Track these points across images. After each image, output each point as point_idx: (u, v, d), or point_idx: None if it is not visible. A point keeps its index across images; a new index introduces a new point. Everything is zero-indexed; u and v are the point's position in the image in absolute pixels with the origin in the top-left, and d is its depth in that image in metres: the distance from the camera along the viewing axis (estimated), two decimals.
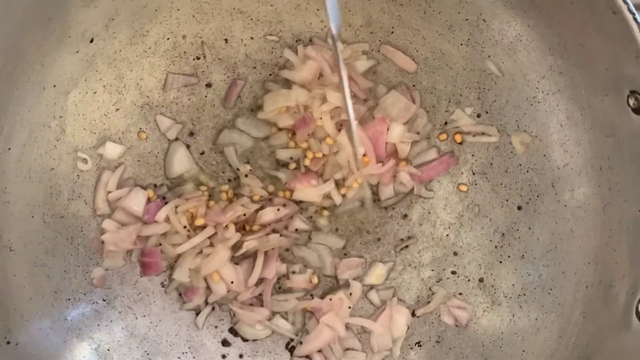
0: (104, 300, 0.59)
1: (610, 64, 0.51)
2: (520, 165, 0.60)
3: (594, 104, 0.54)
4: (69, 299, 0.57)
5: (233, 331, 0.61)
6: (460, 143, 0.61)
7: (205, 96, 0.61)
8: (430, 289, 0.62)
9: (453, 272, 0.62)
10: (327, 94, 0.59)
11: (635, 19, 0.47)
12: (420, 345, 0.61)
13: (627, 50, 0.48)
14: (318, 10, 0.60)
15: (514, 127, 0.60)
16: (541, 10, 0.54)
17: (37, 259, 0.56)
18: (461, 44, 0.59)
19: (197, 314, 0.61)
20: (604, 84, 0.52)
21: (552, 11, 0.53)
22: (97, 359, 0.57)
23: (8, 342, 0.52)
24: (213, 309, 0.61)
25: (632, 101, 0.50)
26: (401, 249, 0.62)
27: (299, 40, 0.61)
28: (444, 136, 0.62)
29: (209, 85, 0.61)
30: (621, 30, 0.47)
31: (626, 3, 0.47)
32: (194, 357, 0.60)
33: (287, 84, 0.61)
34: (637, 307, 0.50)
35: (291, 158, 0.61)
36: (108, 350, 0.58)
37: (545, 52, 0.55)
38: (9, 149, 0.53)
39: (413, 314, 0.62)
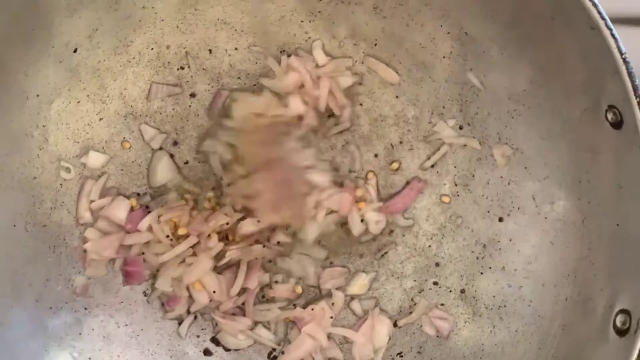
0: (85, 309, 0.59)
1: (588, 78, 0.51)
2: (501, 177, 0.60)
3: (573, 118, 0.54)
4: (51, 308, 0.57)
5: (215, 340, 0.61)
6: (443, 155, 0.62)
7: (190, 106, 0.61)
8: (412, 299, 0.62)
9: (435, 283, 0.62)
10: (290, 100, 0.59)
11: (612, 35, 0.48)
12: (402, 356, 0.62)
13: (605, 66, 0.48)
14: (302, 21, 0.60)
15: (495, 139, 0.60)
16: (522, 25, 0.54)
17: (18, 267, 0.56)
18: (444, 57, 0.59)
19: (179, 323, 0.61)
20: (583, 98, 0.52)
21: (532, 25, 0.53)
22: None
23: None
24: (195, 318, 0.61)
25: (610, 116, 0.50)
26: (382, 256, 0.62)
27: (283, 51, 0.61)
28: None
29: (193, 95, 0.61)
30: (599, 45, 0.48)
31: (604, 19, 0.48)
32: None
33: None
34: (614, 321, 0.51)
35: None
36: (89, 358, 0.58)
37: (526, 66, 0.56)
38: None
39: (395, 324, 0.62)
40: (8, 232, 0.55)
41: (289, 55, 0.61)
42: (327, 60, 0.61)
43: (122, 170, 0.60)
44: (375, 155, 0.62)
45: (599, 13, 0.48)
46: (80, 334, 0.58)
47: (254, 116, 0.60)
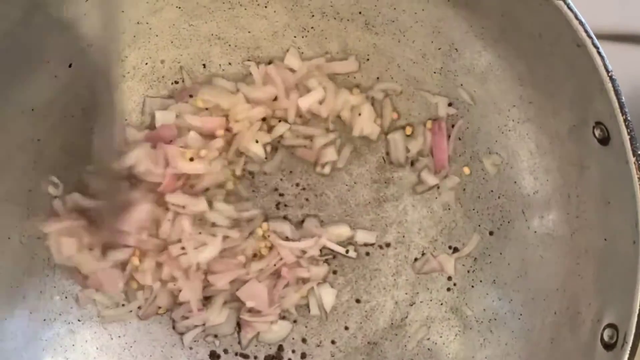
0: (79, 320, 0.59)
1: (576, 95, 0.52)
2: (492, 191, 0.61)
3: (562, 134, 0.55)
4: (45, 320, 0.58)
5: (214, 355, 0.62)
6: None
7: None
8: (404, 311, 0.63)
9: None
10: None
11: (599, 53, 0.48)
12: None
13: (592, 83, 0.49)
14: (295, 37, 0.61)
15: (485, 153, 0.61)
16: (511, 42, 0.55)
17: (13, 279, 0.56)
18: (434, 72, 0.60)
19: (181, 334, 0.61)
20: (570, 114, 0.53)
21: (521, 42, 0.54)
22: None
23: None
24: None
25: (597, 132, 0.51)
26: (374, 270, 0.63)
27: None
28: None
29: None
30: (585, 63, 0.49)
31: (590, 37, 0.48)
32: None
33: None
34: (602, 335, 0.51)
35: None
36: None
37: (515, 82, 0.57)
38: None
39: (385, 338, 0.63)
40: (2, 245, 0.56)
41: (268, 63, 0.61)
42: (301, 65, 0.61)
43: None
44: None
45: (586, 31, 0.48)
46: (73, 345, 0.59)
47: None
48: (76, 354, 0.59)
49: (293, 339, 0.62)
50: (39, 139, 0.57)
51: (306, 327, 0.62)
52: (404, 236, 0.63)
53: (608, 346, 0.50)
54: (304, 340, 0.62)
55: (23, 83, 0.54)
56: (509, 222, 0.60)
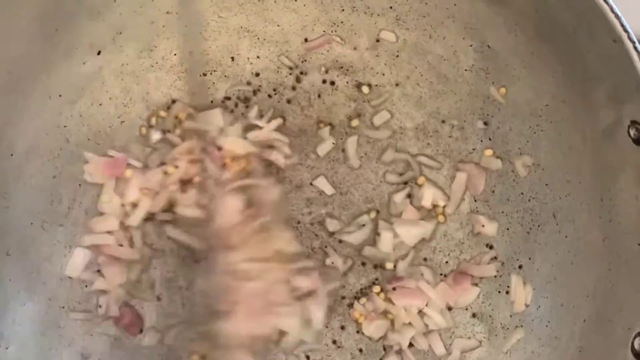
0: (99, 307, 0.59)
1: (611, 93, 0.50)
2: (522, 193, 0.59)
3: (596, 134, 0.53)
4: (63, 307, 0.58)
5: None
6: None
7: None
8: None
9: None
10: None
11: (635, 48, 0.46)
12: None
13: (627, 80, 0.47)
14: (324, 32, 0.60)
15: (517, 154, 0.59)
16: (544, 38, 0.53)
17: (33, 264, 0.56)
18: (466, 70, 0.59)
19: None
20: (605, 113, 0.51)
21: (555, 39, 0.53)
22: None
23: None
24: None
25: (632, 132, 0.49)
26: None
27: (305, 60, 0.61)
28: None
29: (212, 102, 0.61)
30: (621, 59, 0.47)
31: (627, 31, 0.47)
32: None
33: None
34: (632, 343, 0.49)
35: None
36: (96, 357, 0.58)
37: (548, 80, 0.55)
38: (12, 155, 0.54)
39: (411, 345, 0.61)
40: (25, 230, 0.56)
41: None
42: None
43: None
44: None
45: (622, 25, 0.47)
46: (91, 335, 0.58)
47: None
48: (92, 342, 0.58)
49: None
50: (65, 126, 0.57)
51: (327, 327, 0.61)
52: (430, 239, 0.61)
53: (639, 355, 0.48)
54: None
55: (51, 69, 0.54)
56: (539, 226, 0.59)
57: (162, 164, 0.60)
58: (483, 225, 0.60)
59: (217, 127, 0.60)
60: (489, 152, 0.60)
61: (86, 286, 0.58)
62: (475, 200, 0.61)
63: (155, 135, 0.60)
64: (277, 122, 0.61)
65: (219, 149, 0.59)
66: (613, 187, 0.53)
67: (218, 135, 0.60)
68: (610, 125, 0.51)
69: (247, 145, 0.60)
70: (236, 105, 0.61)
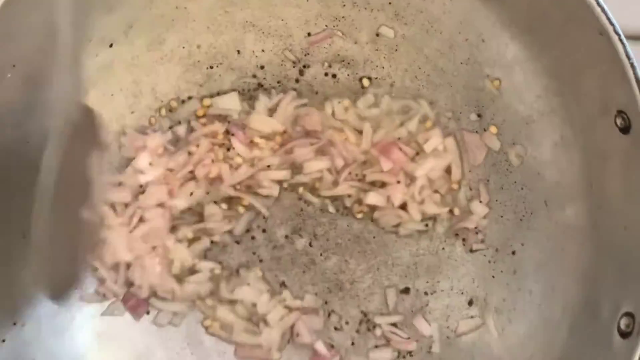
0: (107, 288, 0.61)
1: (599, 84, 0.52)
2: (515, 182, 0.62)
3: (585, 124, 0.56)
4: (75, 289, 0.60)
5: None
6: None
7: None
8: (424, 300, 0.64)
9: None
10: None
11: (620, 40, 0.49)
12: (412, 355, 0.63)
13: (614, 71, 0.50)
14: (326, 26, 0.63)
15: (510, 144, 0.61)
16: (537, 32, 0.56)
17: (47, 244, 0.59)
18: (461, 63, 0.61)
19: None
20: (594, 104, 0.54)
21: (546, 33, 0.55)
22: (98, 347, 0.60)
23: (14, 324, 0.55)
24: None
25: (619, 121, 0.51)
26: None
27: (308, 54, 0.64)
28: None
29: (219, 93, 0.64)
30: (608, 51, 0.49)
31: (612, 24, 0.49)
32: (191, 353, 0.62)
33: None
34: (618, 323, 0.51)
35: None
36: (109, 340, 0.61)
37: (540, 73, 0.57)
38: (27, 142, 0.56)
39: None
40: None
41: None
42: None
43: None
44: None
45: (608, 19, 0.49)
46: (101, 315, 0.61)
47: None
48: (106, 320, 0.61)
49: None
50: None
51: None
52: (427, 226, 0.64)
53: (624, 334, 0.50)
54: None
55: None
56: (531, 214, 0.61)
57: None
58: (480, 201, 0.63)
59: (236, 110, 0.63)
60: (494, 129, 0.62)
61: (96, 268, 0.61)
62: (471, 189, 0.63)
63: (166, 124, 0.63)
64: (292, 94, 0.64)
65: (243, 129, 0.63)
66: (601, 174, 0.55)
67: (240, 116, 0.63)
68: (599, 115, 0.53)
69: (273, 123, 0.63)
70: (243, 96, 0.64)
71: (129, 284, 0.61)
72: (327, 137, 0.63)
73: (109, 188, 0.60)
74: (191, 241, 0.62)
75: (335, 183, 0.63)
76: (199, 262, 0.62)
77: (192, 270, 0.62)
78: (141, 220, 0.61)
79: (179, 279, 0.62)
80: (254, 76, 0.64)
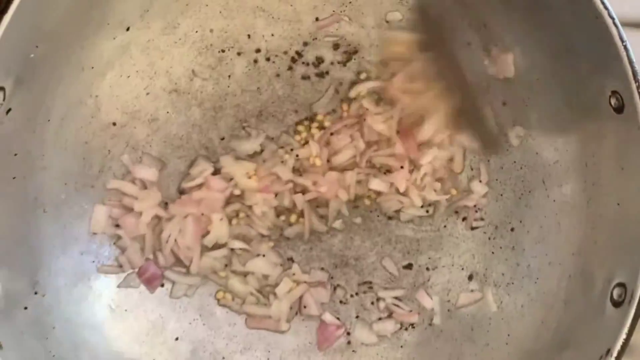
0: (124, 261, 0.64)
1: (594, 65, 0.55)
2: (514, 162, 0.64)
3: (582, 105, 0.58)
4: (93, 261, 0.63)
5: None
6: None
7: (228, 86, 0.66)
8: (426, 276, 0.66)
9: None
10: None
11: (614, 24, 0.51)
12: (414, 327, 0.65)
13: (608, 53, 0.52)
14: (333, 11, 0.66)
15: (510, 125, 0.64)
16: (536, 17, 0.58)
17: (67, 221, 0.62)
18: (463, 48, 0.64)
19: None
20: (590, 85, 0.56)
21: (546, 17, 0.57)
22: (114, 318, 0.63)
23: (35, 293, 0.58)
24: None
25: (613, 101, 0.54)
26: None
27: (316, 38, 0.66)
28: None
29: (230, 76, 0.66)
30: (602, 34, 0.52)
31: (607, 8, 0.52)
32: (203, 324, 0.65)
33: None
34: (611, 294, 0.54)
35: None
36: (125, 310, 0.63)
37: (539, 55, 0.60)
38: (49, 120, 0.59)
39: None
40: (60, 189, 0.61)
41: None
42: None
43: (164, 141, 0.66)
44: None
45: (602, 3, 0.52)
46: (118, 287, 0.64)
47: None
48: (120, 295, 0.64)
49: None
50: (97, 95, 0.62)
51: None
52: (428, 204, 0.66)
53: (617, 304, 0.53)
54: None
55: (84, 43, 0.60)
56: (529, 192, 0.64)
57: None
58: (480, 181, 0.65)
59: None
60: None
61: (114, 243, 0.64)
62: (472, 169, 0.66)
63: None
64: None
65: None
66: (597, 153, 0.58)
67: None
68: (595, 96, 0.56)
69: None
70: None
71: (150, 254, 0.64)
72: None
73: None
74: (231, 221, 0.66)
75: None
76: (231, 241, 0.65)
77: (218, 246, 0.65)
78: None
79: (203, 251, 0.65)
80: (266, 60, 0.66)
